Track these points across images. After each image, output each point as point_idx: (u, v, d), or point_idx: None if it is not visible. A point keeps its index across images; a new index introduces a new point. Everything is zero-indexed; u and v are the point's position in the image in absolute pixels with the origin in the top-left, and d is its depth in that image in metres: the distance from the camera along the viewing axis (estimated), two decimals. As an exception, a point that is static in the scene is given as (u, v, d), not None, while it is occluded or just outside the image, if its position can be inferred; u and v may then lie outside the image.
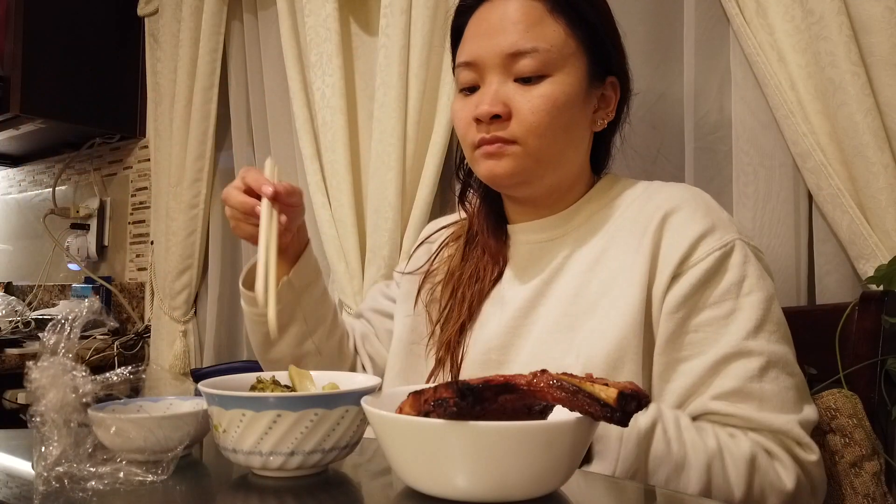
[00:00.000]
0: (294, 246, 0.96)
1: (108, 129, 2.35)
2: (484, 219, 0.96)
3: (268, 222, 0.82)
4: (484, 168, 0.85)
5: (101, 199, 2.47)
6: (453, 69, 0.92)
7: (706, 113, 1.17)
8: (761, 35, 1.05)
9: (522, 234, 0.93)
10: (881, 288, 0.92)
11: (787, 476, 0.71)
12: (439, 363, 0.90)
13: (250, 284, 0.92)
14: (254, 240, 0.85)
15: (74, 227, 2.46)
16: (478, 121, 0.84)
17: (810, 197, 1.05)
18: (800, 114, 1.02)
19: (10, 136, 2.38)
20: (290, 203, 0.87)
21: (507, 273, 0.92)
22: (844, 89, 0.95)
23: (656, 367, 0.79)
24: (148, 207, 2.27)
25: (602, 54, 0.87)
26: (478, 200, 0.98)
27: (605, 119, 0.89)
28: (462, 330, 0.90)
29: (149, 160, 2.21)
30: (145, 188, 2.32)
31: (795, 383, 0.76)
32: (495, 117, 0.82)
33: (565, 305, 0.83)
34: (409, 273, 1.02)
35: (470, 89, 0.87)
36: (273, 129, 1.82)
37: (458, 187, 1.00)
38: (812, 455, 0.74)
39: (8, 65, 2.08)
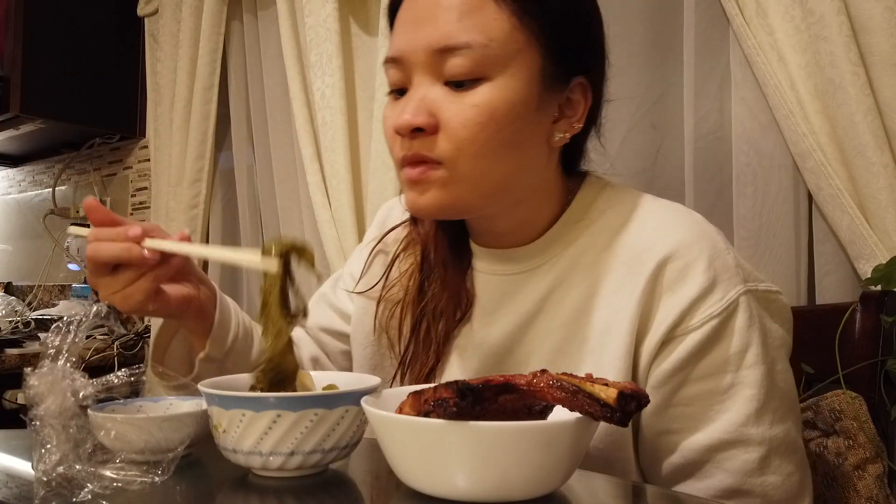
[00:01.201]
0: (203, 306, 0.79)
1: (107, 129, 2.35)
2: (440, 248, 0.80)
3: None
4: (407, 199, 0.70)
5: (101, 200, 2.47)
6: None
7: (706, 113, 1.17)
8: (761, 35, 1.05)
9: (489, 263, 0.78)
10: (879, 288, 0.92)
11: None
12: None
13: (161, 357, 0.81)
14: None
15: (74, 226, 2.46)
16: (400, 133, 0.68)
17: (810, 197, 1.05)
18: (799, 114, 1.02)
19: (10, 137, 2.38)
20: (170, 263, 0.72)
21: (476, 308, 0.78)
22: (844, 89, 0.95)
23: (643, 434, 0.70)
24: (148, 207, 2.27)
25: (566, 49, 0.69)
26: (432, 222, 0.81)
27: (569, 131, 0.72)
28: (430, 373, 0.78)
29: (149, 160, 2.21)
30: (145, 188, 2.32)
31: (797, 464, 0.68)
32: (418, 130, 0.67)
33: (546, 363, 0.72)
34: (361, 293, 0.87)
35: (400, 91, 0.71)
36: (273, 130, 1.82)
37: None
38: None
39: (8, 65, 2.08)
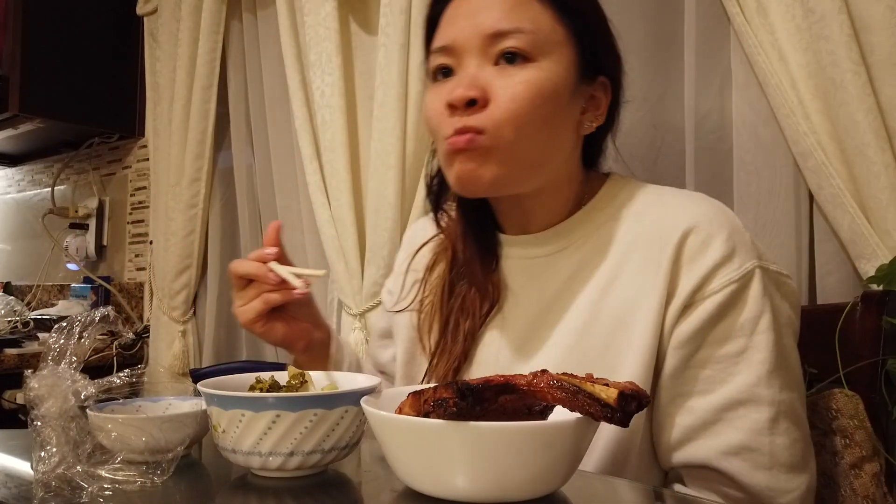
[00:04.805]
0: (311, 345, 0.88)
1: (106, 129, 2.35)
2: (468, 244, 0.86)
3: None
4: (453, 173, 0.75)
5: (100, 199, 2.47)
6: (426, 59, 0.83)
7: (707, 113, 1.17)
8: (762, 34, 1.05)
9: (516, 249, 0.84)
10: (881, 288, 0.92)
11: None
12: None
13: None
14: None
15: (73, 226, 2.46)
16: (452, 107, 0.74)
17: (811, 196, 1.05)
18: (800, 113, 1.01)
19: (8, 136, 2.38)
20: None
21: (506, 294, 0.83)
22: (845, 89, 0.95)
23: (660, 399, 0.74)
24: (147, 207, 2.27)
25: (593, 50, 0.78)
26: (458, 218, 0.88)
27: (594, 122, 0.80)
28: (458, 368, 0.83)
29: (148, 160, 2.21)
30: (144, 188, 2.32)
31: (803, 434, 0.72)
32: (471, 103, 0.73)
33: (573, 339, 0.76)
34: (399, 311, 0.93)
35: (445, 73, 0.78)
36: (272, 129, 1.81)
37: (431, 201, 0.91)
38: None
39: (7, 64, 2.08)
